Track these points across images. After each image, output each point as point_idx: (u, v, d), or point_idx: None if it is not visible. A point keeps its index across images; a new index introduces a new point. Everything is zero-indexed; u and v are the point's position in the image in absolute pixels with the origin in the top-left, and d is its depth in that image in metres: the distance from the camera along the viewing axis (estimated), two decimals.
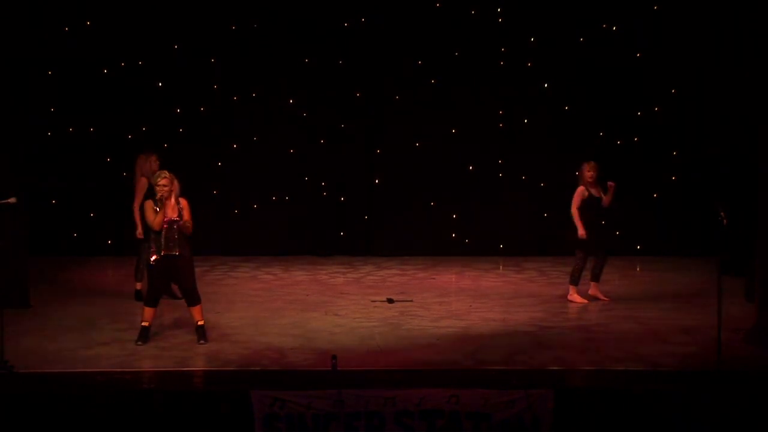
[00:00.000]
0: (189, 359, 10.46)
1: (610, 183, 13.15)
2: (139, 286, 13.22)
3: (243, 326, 11.84)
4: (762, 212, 11.31)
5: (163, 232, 10.83)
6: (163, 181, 10.85)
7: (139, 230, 12.87)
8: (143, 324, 11.00)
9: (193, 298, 11.05)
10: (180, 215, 10.89)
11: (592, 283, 13.44)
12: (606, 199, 13.18)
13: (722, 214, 10.01)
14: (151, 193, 12.91)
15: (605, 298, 13.39)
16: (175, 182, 11.03)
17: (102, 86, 16.68)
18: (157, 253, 10.84)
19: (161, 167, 13.04)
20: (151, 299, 11.04)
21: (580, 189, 13.14)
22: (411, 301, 13.41)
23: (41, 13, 15.66)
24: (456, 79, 16.95)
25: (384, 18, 16.87)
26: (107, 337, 11.26)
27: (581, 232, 13.03)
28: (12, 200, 10.71)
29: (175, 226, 10.84)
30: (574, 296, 13.29)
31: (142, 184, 13.00)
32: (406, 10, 16.84)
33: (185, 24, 16.61)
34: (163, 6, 16.54)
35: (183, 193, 11.28)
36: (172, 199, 10.92)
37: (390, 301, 13.35)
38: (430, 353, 10.68)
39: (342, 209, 17.21)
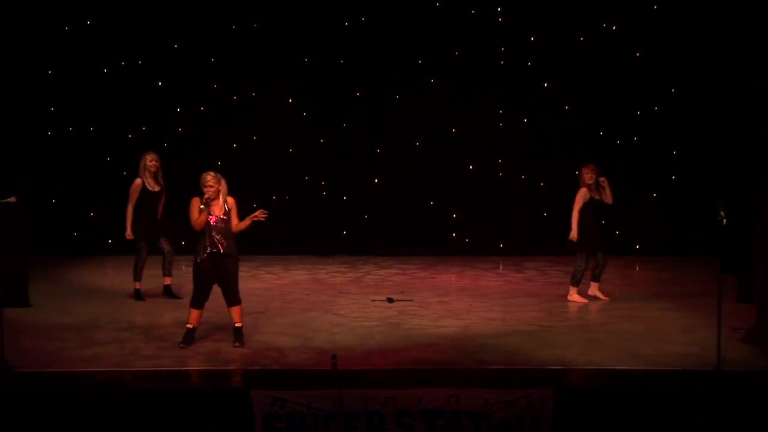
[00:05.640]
0: (189, 359, 10.45)
1: (602, 179, 13.14)
2: (138, 285, 13.23)
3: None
4: (762, 212, 11.32)
5: (211, 232, 10.74)
6: (210, 181, 10.75)
7: (128, 232, 12.95)
8: (188, 326, 10.89)
9: (233, 299, 10.94)
10: (227, 214, 10.80)
11: (593, 283, 13.45)
12: (606, 197, 13.17)
13: (722, 214, 10.01)
14: (144, 193, 12.97)
15: (605, 298, 13.40)
16: (223, 181, 10.85)
17: (102, 86, 16.71)
18: (203, 252, 10.76)
19: (160, 165, 13.17)
20: (196, 300, 10.89)
21: (583, 190, 13.12)
22: (411, 300, 13.41)
23: (41, 13, 15.68)
24: (456, 79, 16.97)
25: (384, 18, 16.90)
26: (107, 337, 11.25)
27: (574, 234, 13.04)
28: (12, 200, 10.71)
29: (222, 225, 10.76)
30: (574, 296, 13.30)
31: (135, 185, 13.02)
32: (407, 10, 16.85)
33: (185, 24, 16.63)
34: (163, 6, 16.56)
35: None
36: (220, 199, 10.79)
37: (390, 300, 13.35)
38: (430, 353, 10.68)
39: (342, 209, 17.23)
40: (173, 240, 13.36)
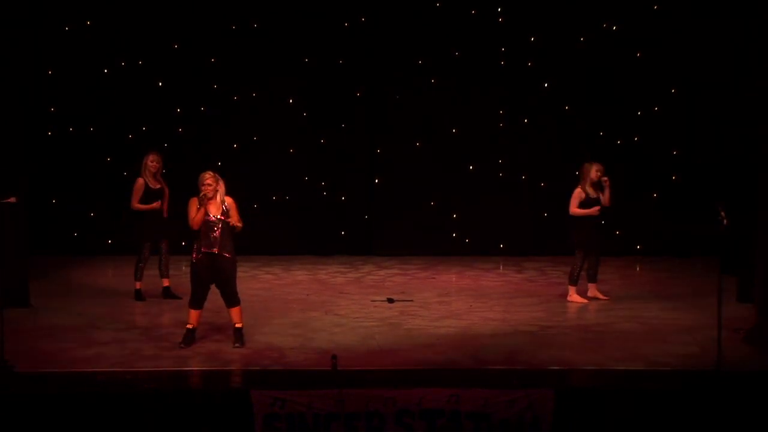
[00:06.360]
0: (189, 359, 10.45)
1: (603, 178, 13.16)
2: (138, 285, 13.24)
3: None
4: (762, 212, 11.31)
5: (205, 231, 10.72)
6: (209, 180, 10.71)
7: (150, 205, 12.98)
8: (188, 327, 10.87)
9: (232, 300, 10.92)
10: (225, 214, 10.75)
11: (591, 285, 13.45)
12: (605, 198, 13.19)
13: (722, 214, 10.01)
14: (147, 193, 13.01)
15: (605, 298, 13.40)
16: (221, 181, 10.82)
17: (102, 86, 16.70)
18: (198, 251, 10.76)
19: (161, 165, 13.21)
20: (194, 300, 10.88)
21: (577, 191, 13.14)
22: (411, 300, 13.41)
23: (41, 13, 15.67)
24: (456, 79, 16.96)
25: (384, 18, 16.89)
26: (107, 337, 11.25)
27: (595, 209, 13.00)
28: (12, 200, 10.71)
29: (218, 225, 10.73)
30: (574, 296, 13.30)
31: (138, 184, 13.07)
32: (407, 10, 16.85)
33: (185, 24, 16.63)
34: (163, 6, 16.55)
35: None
36: (218, 198, 10.75)
37: (390, 300, 13.35)
38: (430, 353, 10.68)
39: (342, 209, 17.22)
40: (171, 242, 13.39)
